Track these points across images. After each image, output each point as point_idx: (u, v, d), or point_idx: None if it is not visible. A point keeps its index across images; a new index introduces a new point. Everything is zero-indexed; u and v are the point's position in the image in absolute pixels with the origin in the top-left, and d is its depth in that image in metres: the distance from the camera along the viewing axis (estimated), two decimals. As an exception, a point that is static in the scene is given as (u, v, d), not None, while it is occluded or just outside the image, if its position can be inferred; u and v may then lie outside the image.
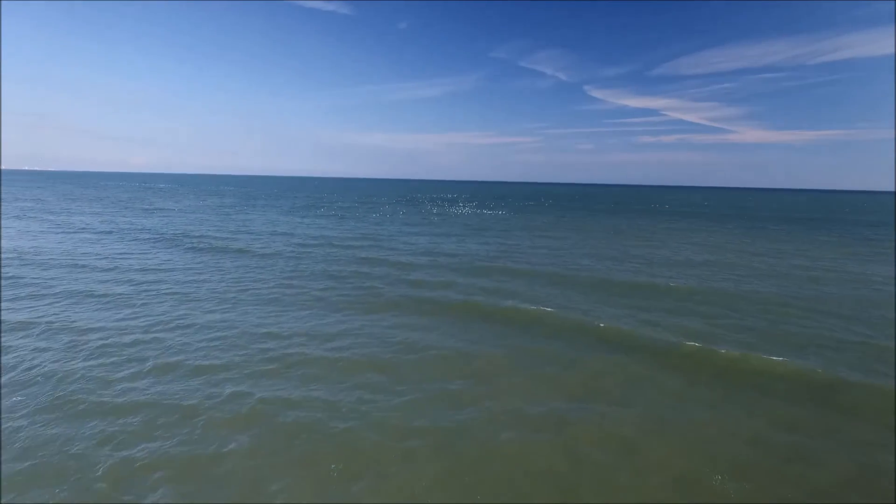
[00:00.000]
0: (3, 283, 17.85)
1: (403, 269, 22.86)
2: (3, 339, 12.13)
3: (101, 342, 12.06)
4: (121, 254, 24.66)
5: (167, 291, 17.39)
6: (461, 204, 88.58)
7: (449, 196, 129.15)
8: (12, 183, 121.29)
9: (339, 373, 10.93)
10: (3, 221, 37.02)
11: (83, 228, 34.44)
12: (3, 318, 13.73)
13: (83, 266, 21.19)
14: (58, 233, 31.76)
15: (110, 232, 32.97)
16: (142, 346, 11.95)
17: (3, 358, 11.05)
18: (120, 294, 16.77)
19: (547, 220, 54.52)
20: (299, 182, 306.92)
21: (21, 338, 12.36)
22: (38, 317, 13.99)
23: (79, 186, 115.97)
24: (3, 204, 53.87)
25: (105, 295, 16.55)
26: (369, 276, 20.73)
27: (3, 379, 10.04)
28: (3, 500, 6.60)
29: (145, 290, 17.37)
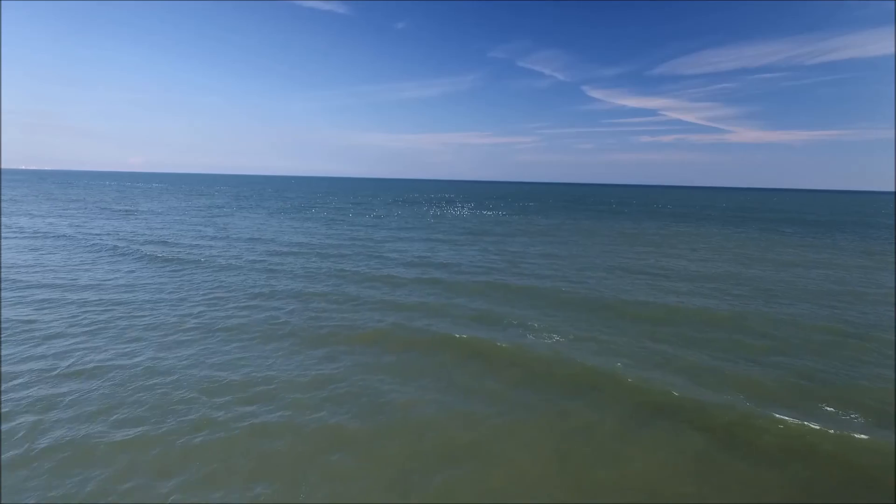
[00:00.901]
0: None
1: (391, 286, 19.90)
2: None
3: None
4: (68, 265, 21.63)
5: (100, 317, 14.39)
6: (460, 204, 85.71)
7: (447, 196, 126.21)
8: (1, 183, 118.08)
9: (295, 448, 8.04)
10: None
11: (42, 233, 31.38)
12: None
13: (9, 280, 18.20)
14: (11, 238, 28.73)
15: (71, 237, 29.93)
16: (24, 410, 8.96)
17: None
18: (33, 321, 13.75)
19: (549, 223, 51.61)
20: (298, 182, 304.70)
21: None
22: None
23: (66, 186, 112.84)
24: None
25: (9, 321, 13.57)
26: (349, 298, 17.74)
27: None
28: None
29: (72, 316, 14.38)
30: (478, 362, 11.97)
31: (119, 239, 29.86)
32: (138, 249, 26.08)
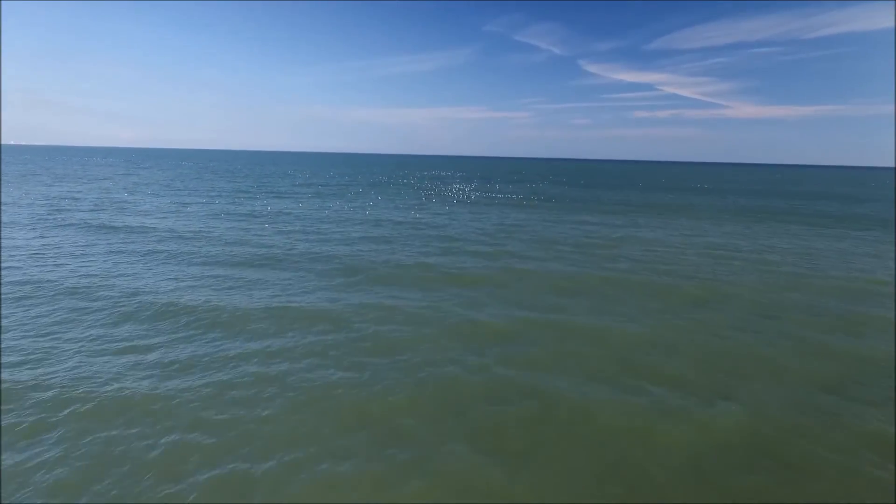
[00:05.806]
0: None
1: None
2: None
3: None
4: None
5: None
6: (456, 187, 67.87)
7: (441, 174, 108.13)
8: None
9: None
10: None
11: None
12: None
13: None
14: None
15: None
16: None
17: None
18: None
19: (595, 224, 34.11)
20: (283, 158, 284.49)
21: None
22: None
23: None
24: None
25: None
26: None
27: None
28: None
29: None
30: None
31: None
32: None
